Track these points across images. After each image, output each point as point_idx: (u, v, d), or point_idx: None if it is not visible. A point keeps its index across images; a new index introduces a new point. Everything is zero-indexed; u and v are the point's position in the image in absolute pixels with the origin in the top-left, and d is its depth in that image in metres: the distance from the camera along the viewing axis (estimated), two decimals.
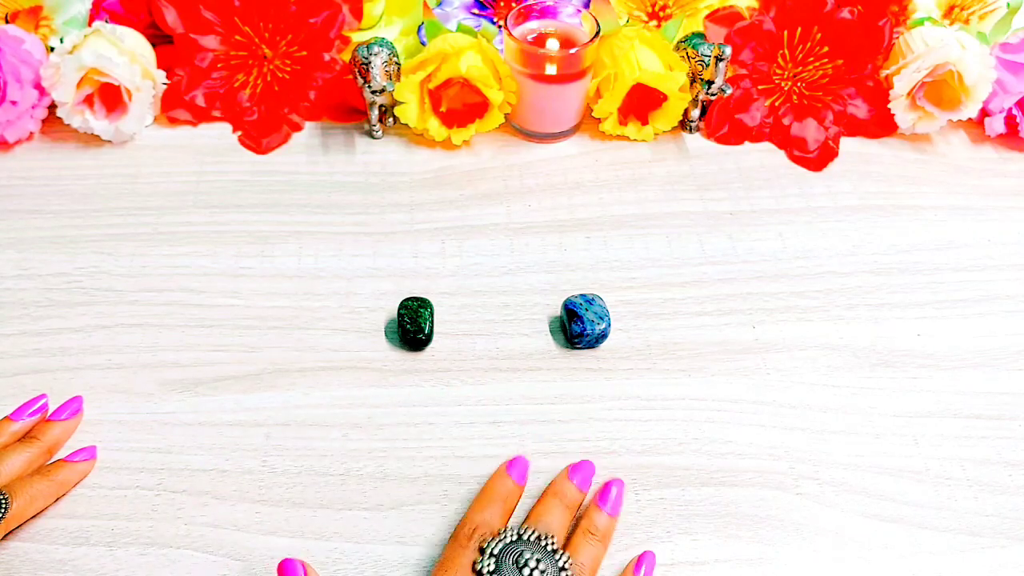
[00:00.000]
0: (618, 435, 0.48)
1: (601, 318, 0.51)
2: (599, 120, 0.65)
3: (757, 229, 0.60)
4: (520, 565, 0.39)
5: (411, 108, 0.62)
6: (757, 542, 0.44)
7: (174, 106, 0.65)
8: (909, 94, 0.64)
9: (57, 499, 0.44)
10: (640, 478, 0.46)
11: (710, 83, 0.62)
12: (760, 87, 0.66)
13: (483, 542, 0.40)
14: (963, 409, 0.50)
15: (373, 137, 0.65)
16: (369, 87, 0.60)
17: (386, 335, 0.52)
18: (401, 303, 0.52)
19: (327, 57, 0.65)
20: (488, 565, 0.39)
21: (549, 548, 0.40)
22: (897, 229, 0.61)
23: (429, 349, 0.52)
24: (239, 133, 0.65)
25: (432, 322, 0.52)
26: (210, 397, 0.49)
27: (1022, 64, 0.65)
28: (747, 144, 0.67)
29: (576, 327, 0.51)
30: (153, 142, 0.64)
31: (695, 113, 0.66)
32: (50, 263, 0.56)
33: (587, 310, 0.51)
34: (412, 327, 0.51)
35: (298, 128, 0.66)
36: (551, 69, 0.61)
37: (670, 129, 0.66)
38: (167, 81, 0.65)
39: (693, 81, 0.64)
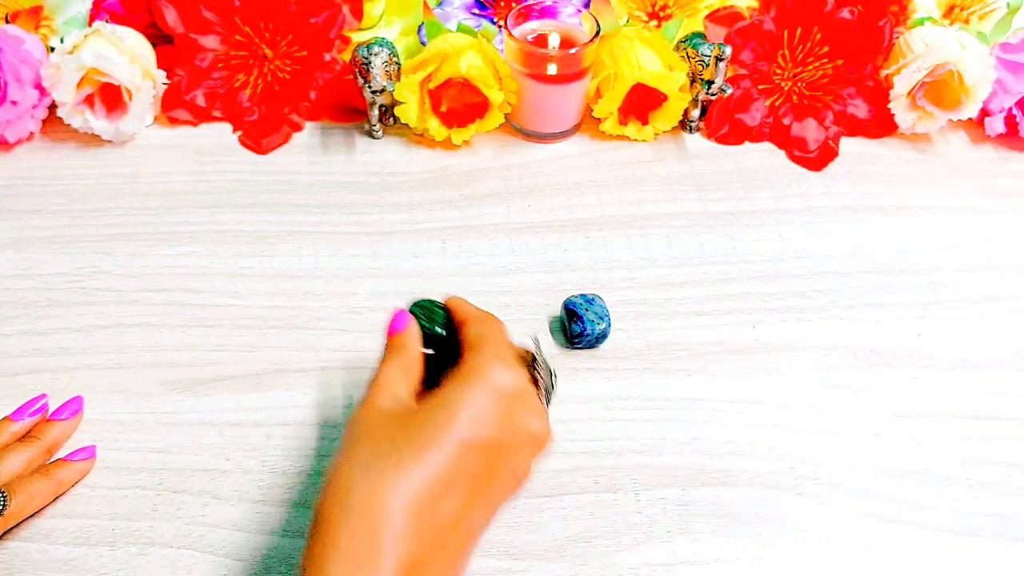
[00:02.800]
0: (618, 435, 0.48)
1: (601, 318, 0.51)
2: (599, 120, 0.65)
3: (757, 229, 0.60)
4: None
5: (411, 108, 0.62)
6: (757, 542, 0.44)
7: (174, 106, 0.65)
8: (909, 94, 0.64)
9: (56, 498, 0.44)
10: (640, 478, 0.46)
11: (710, 83, 0.62)
12: (760, 87, 0.66)
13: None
14: (963, 409, 0.50)
15: (373, 137, 0.65)
16: (369, 87, 0.60)
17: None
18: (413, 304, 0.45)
19: (327, 57, 0.65)
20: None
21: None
22: (897, 229, 0.61)
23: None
24: (239, 133, 0.65)
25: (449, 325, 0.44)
26: (210, 397, 0.49)
27: (1022, 64, 0.65)
28: (747, 144, 0.67)
29: (576, 327, 0.51)
30: (153, 142, 0.64)
31: (695, 113, 0.66)
32: (50, 263, 0.56)
33: (587, 310, 0.51)
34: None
35: (298, 128, 0.66)
36: (552, 69, 0.61)
37: (670, 129, 0.66)
38: (167, 81, 0.65)
39: (693, 81, 0.64)
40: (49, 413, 0.47)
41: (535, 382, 0.40)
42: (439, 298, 0.45)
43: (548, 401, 0.41)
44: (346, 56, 0.66)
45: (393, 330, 0.42)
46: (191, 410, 0.48)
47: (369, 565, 0.31)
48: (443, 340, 0.45)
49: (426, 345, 0.46)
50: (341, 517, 0.32)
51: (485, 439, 0.35)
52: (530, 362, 0.41)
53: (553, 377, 0.42)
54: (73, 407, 0.48)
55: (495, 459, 0.36)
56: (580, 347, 0.52)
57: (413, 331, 0.42)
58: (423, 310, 0.46)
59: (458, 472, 0.34)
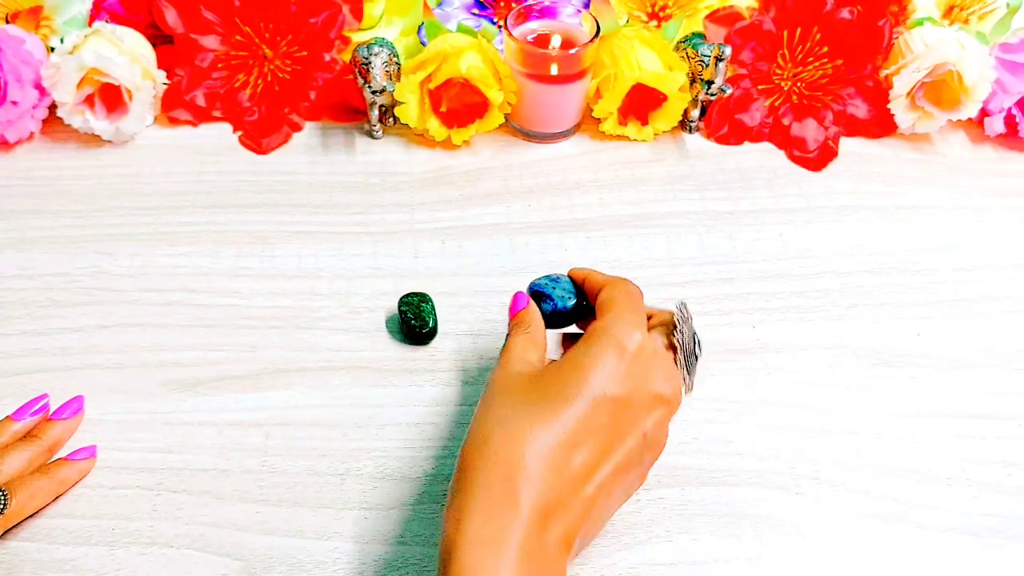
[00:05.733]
0: None
1: (572, 294, 0.46)
2: (599, 120, 0.65)
3: (757, 229, 0.60)
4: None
5: (411, 108, 0.62)
6: (757, 542, 0.44)
7: (174, 106, 0.65)
8: (909, 94, 0.64)
9: (57, 497, 0.44)
10: None
11: (710, 83, 0.62)
12: (760, 87, 0.66)
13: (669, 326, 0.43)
14: (963, 409, 0.50)
15: (373, 137, 0.65)
16: (369, 87, 0.60)
17: (388, 332, 0.52)
18: (401, 299, 0.52)
19: (327, 57, 0.65)
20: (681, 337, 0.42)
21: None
22: (897, 229, 0.61)
23: (430, 348, 0.52)
24: (239, 133, 0.65)
25: (435, 315, 0.52)
26: (210, 397, 0.49)
27: (1022, 64, 0.65)
28: (747, 144, 0.67)
29: (547, 306, 0.46)
30: (153, 142, 0.64)
31: (695, 113, 0.66)
32: (50, 263, 0.56)
33: (554, 288, 0.46)
34: (417, 322, 0.51)
35: (298, 128, 0.66)
36: (555, 69, 0.61)
37: (670, 129, 0.66)
38: (167, 81, 0.65)
39: (693, 81, 0.64)
40: (50, 412, 0.47)
41: (673, 347, 0.41)
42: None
43: (689, 367, 0.42)
44: (346, 56, 0.66)
45: (514, 310, 0.44)
46: (191, 410, 0.48)
47: (504, 506, 0.34)
48: (431, 334, 0.51)
49: (415, 338, 0.52)
50: (480, 463, 0.35)
51: (612, 395, 0.37)
52: (671, 327, 0.42)
53: (696, 344, 0.43)
54: (74, 407, 0.48)
55: (623, 416, 0.38)
56: (555, 326, 0.47)
57: (533, 309, 0.45)
58: (411, 307, 0.52)
59: (587, 427, 0.36)
